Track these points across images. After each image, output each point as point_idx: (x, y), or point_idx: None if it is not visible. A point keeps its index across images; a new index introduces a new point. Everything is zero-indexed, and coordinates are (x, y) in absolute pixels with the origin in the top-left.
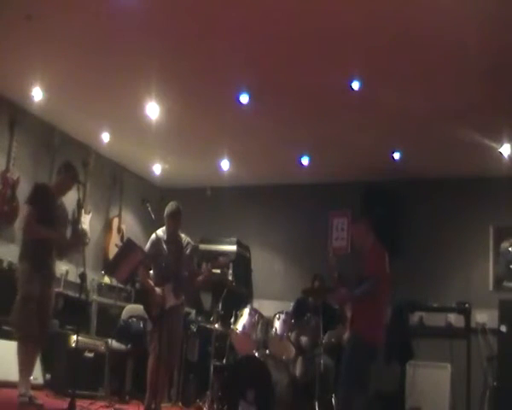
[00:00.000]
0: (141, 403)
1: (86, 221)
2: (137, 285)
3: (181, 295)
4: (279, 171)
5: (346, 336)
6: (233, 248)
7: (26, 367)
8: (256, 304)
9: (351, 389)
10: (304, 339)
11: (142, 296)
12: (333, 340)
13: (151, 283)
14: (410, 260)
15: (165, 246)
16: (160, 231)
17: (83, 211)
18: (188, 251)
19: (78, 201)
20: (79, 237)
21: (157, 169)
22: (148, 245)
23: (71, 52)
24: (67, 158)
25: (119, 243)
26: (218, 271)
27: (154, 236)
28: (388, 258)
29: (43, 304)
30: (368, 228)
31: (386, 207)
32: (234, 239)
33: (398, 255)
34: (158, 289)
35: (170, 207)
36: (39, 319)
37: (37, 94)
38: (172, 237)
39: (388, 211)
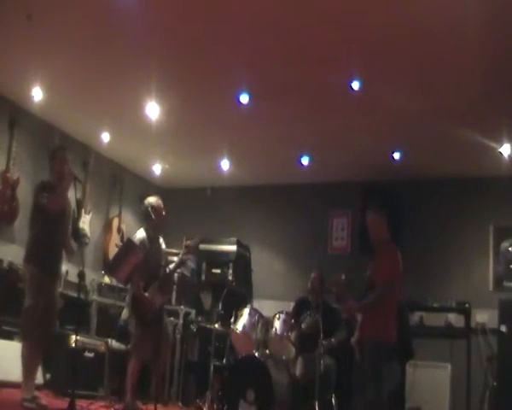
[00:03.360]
0: (141, 403)
1: (86, 221)
2: (127, 298)
3: (167, 291)
4: (279, 171)
5: (354, 338)
6: (233, 248)
7: (31, 371)
8: (256, 304)
9: (381, 391)
10: (304, 325)
11: (134, 304)
12: (333, 340)
13: (144, 293)
14: (410, 260)
15: (149, 245)
16: (144, 231)
17: (83, 211)
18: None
19: (78, 201)
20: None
21: (157, 169)
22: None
23: (71, 52)
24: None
25: (119, 243)
26: (219, 270)
27: (141, 235)
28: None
29: (50, 305)
30: (386, 222)
31: (386, 207)
32: (234, 239)
33: None
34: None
35: (154, 202)
36: (45, 320)
37: (37, 94)
38: (155, 236)
39: (388, 211)
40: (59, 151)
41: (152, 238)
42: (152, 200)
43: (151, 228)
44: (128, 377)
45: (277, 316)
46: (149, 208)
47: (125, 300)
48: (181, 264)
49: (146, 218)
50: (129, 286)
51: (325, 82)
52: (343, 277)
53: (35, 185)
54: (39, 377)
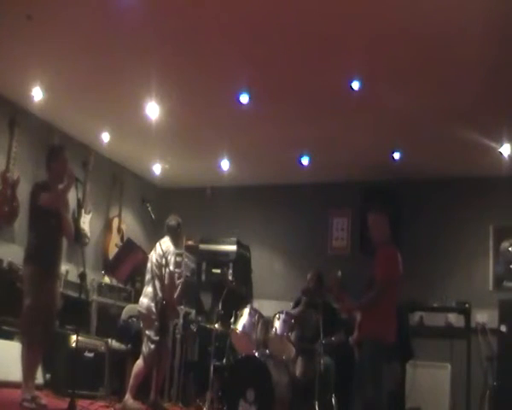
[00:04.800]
0: (141, 403)
1: (86, 221)
2: (150, 303)
3: None
4: (279, 171)
5: (353, 337)
6: (233, 248)
7: (30, 372)
8: (256, 304)
9: (380, 391)
10: (305, 330)
11: (163, 311)
12: (333, 339)
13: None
14: (410, 260)
15: None
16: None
17: (83, 211)
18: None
19: (78, 201)
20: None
21: (157, 169)
22: (173, 258)
23: (71, 52)
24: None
25: (119, 243)
26: (219, 270)
27: (174, 248)
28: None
29: (49, 305)
30: (387, 222)
31: (386, 208)
32: (234, 239)
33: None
34: None
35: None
36: (45, 320)
37: (37, 94)
38: None
39: (388, 211)
40: (60, 151)
41: None
42: (179, 219)
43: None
44: (132, 378)
45: (277, 316)
46: (179, 228)
47: (144, 302)
48: None
49: (174, 234)
50: (149, 288)
51: (325, 82)
52: (339, 274)
53: (32, 187)
54: (39, 377)
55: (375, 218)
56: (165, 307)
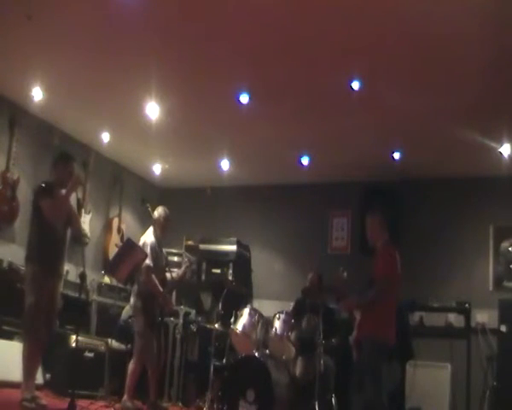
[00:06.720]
0: (141, 403)
1: (86, 221)
2: (134, 299)
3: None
4: (279, 171)
5: (352, 336)
6: (233, 248)
7: (30, 372)
8: (256, 304)
9: (380, 391)
10: (303, 338)
11: (146, 303)
12: (333, 341)
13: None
14: (410, 260)
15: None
16: (152, 235)
17: (83, 211)
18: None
19: (78, 201)
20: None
21: (157, 169)
22: (149, 251)
23: (71, 52)
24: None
25: (119, 243)
26: (219, 270)
27: (152, 240)
28: (400, 257)
29: (51, 305)
30: (383, 223)
31: (386, 208)
32: (234, 239)
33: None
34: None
35: (164, 212)
36: (46, 320)
37: (37, 94)
38: (160, 242)
39: (388, 211)
40: (69, 162)
41: (160, 244)
42: (162, 209)
43: (159, 234)
44: (127, 378)
45: (277, 316)
46: (159, 215)
47: (131, 300)
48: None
49: (160, 224)
50: (135, 285)
51: (325, 82)
52: (345, 274)
53: (35, 188)
54: (39, 377)
55: (371, 221)
56: (149, 301)
